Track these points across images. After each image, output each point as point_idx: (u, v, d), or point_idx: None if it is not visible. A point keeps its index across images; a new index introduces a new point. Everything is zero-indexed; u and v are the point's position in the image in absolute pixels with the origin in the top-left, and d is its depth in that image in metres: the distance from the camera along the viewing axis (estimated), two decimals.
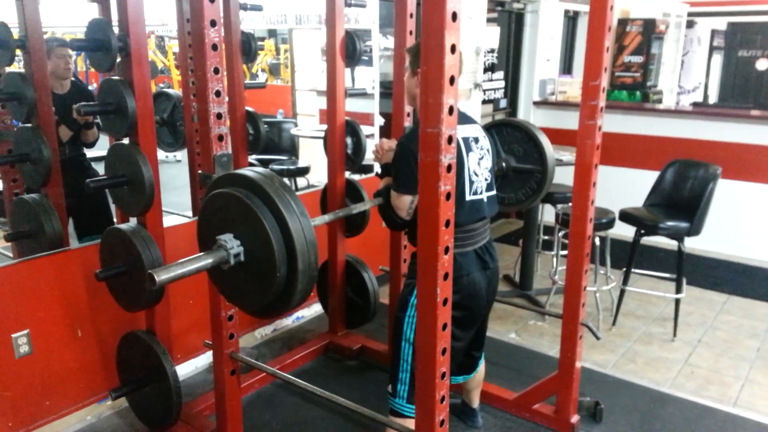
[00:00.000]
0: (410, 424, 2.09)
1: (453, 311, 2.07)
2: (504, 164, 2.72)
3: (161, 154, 2.90)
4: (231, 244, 1.51)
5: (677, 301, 3.63)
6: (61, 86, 3.33)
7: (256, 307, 1.60)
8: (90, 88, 10.68)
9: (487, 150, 2.29)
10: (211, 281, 1.62)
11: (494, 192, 2.31)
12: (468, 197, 2.16)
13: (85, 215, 3.40)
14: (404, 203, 2.18)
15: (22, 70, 2.80)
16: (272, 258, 1.45)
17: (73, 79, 3.46)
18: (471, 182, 2.16)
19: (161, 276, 1.45)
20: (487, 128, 2.70)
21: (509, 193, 2.78)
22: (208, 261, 1.50)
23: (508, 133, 2.74)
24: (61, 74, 3.30)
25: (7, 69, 2.85)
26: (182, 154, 5.27)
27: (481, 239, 2.24)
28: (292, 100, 7.16)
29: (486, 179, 2.25)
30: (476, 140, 2.21)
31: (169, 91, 3.85)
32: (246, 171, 1.54)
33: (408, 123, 3.09)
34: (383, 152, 2.50)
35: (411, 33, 2.95)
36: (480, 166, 2.23)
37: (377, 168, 2.48)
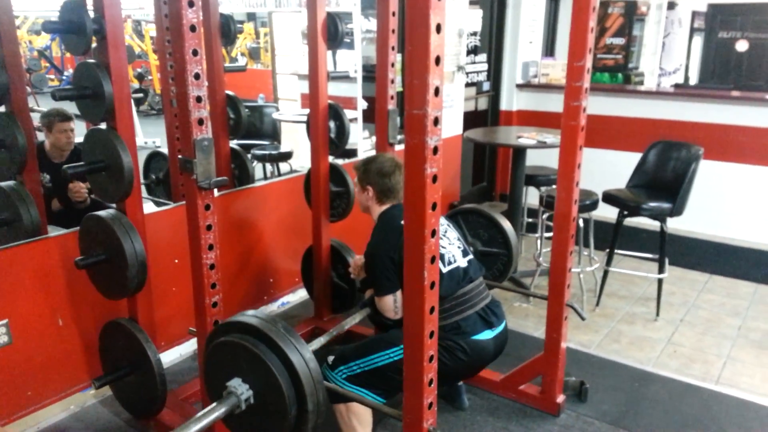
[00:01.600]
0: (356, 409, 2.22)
1: (454, 370, 2.20)
2: (471, 248, 2.82)
3: (140, 139, 2.86)
4: (240, 389, 1.53)
5: (660, 281, 3.66)
6: (60, 156, 3.28)
7: None
8: (66, 73, 10.47)
9: (447, 224, 2.40)
10: (226, 426, 1.66)
11: (471, 257, 2.38)
12: (444, 269, 2.22)
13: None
14: (388, 304, 2.27)
15: None
16: (282, 399, 1.50)
17: (75, 144, 3.36)
18: (441, 255, 2.22)
19: None
20: (453, 215, 2.90)
21: (488, 271, 2.89)
22: (221, 411, 1.52)
23: (473, 220, 2.90)
24: (62, 147, 3.25)
25: None
26: (162, 140, 5.20)
27: (479, 300, 2.28)
28: (273, 84, 7.07)
29: (458, 247, 2.34)
30: None
31: (162, 151, 3.91)
32: (246, 318, 1.58)
33: (392, 106, 3.06)
34: (359, 269, 2.61)
35: (394, 14, 2.92)
36: (447, 237, 2.32)
37: (358, 284, 2.65)
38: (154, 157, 3.94)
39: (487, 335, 2.24)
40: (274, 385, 1.49)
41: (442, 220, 2.36)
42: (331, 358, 2.28)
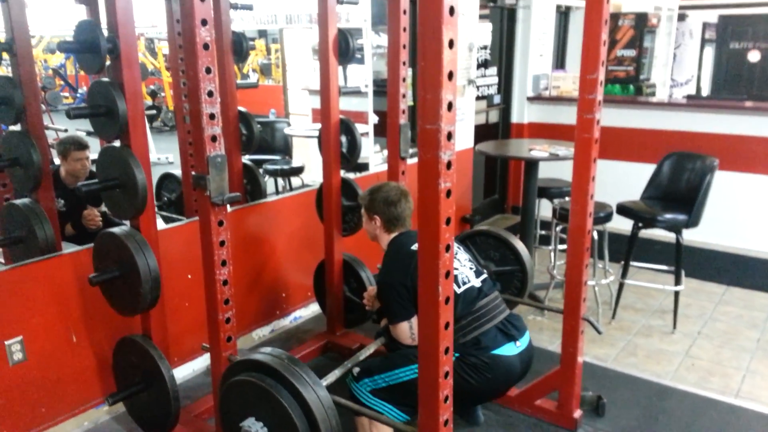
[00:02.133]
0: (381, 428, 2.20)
1: (479, 389, 2.16)
2: (484, 270, 2.80)
3: (153, 155, 2.88)
4: (255, 428, 1.55)
5: (676, 294, 3.62)
6: (75, 182, 3.31)
7: None
8: (81, 91, 10.59)
9: (458, 246, 2.37)
10: None
11: (485, 275, 2.37)
12: (459, 290, 2.21)
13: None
14: (404, 331, 2.25)
15: (10, 74, 2.75)
16: None
17: (91, 170, 3.40)
18: (455, 277, 2.18)
19: None
20: (461, 239, 2.89)
21: (504, 292, 2.86)
22: None
23: (482, 241, 2.90)
24: (77, 174, 3.28)
25: None
26: (175, 156, 5.23)
27: (498, 313, 2.25)
28: (284, 99, 7.12)
29: (471, 268, 2.33)
30: None
31: (174, 173, 3.97)
32: (258, 356, 1.60)
33: (403, 120, 3.06)
34: (372, 298, 2.60)
35: (405, 30, 2.93)
36: (458, 259, 2.30)
37: (373, 316, 2.66)
38: (167, 178, 3.97)
39: (510, 350, 2.19)
40: (286, 419, 1.49)
41: (452, 242, 2.35)
42: (356, 370, 2.26)
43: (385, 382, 2.19)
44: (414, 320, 2.22)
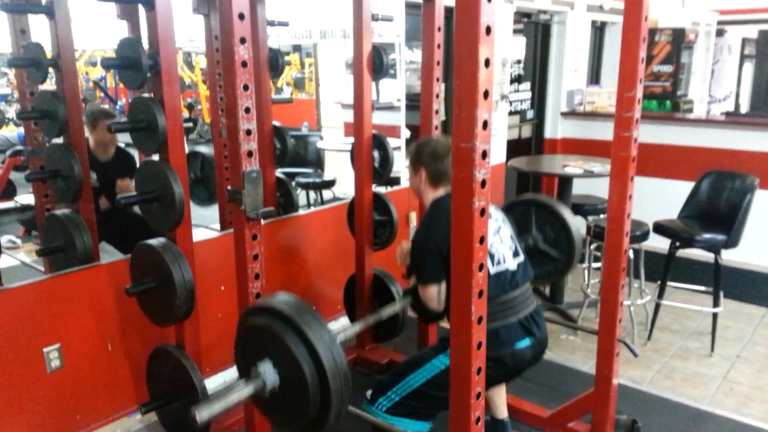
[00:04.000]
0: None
1: (492, 376, 2.04)
2: (531, 241, 2.71)
3: None
4: (268, 374, 1.55)
5: (714, 315, 3.53)
6: (105, 153, 3.38)
7: (293, 430, 1.65)
8: (120, 103, 10.85)
9: (503, 220, 2.31)
10: (252, 403, 1.70)
11: (522, 258, 2.30)
12: (492, 270, 2.15)
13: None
14: (432, 294, 2.19)
15: (55, 88, 2.84)
16: (306, 390, 1.51)
17: (120, 145, 3.48)
18: (491, 255, 2.16)
19: (203, 414, 1.49)
20: (528, 203, 2.73)
21: (535, 269, 2.69)
22: (246, 392, 1.54)
23: (545, 216, 2.72)
24: (106, 143, 3.35)
25: (41, 87, 2.90)
26: None
27: (523, 308, 2.21)
28: (317, 113, 7.20)
29: (510, 247, 2.26)
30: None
31: (200, 149, 4.00)
32: (279, 302, 1.59)
33: (437, 135, 3.06)
34: (404, 255, 2.53)
35: (439, 47, 2.94)
36: (500, 235, 2.24)
37: (404, 270, 2.60)
38: (191, 156, 3.91)
39: (525, 343, 2.17)
40: (298, 374, 1.50)
41: (498, 215, 2.29)
42: (369, 393, 2.25)
43: (397, 395, 2.17)
44: (443, 284, 2.17)
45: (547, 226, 2.71)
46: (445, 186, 2.33)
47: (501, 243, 2.23)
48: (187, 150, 3.87)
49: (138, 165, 2.46)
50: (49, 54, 2.66)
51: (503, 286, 2.17)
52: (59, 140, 2.80)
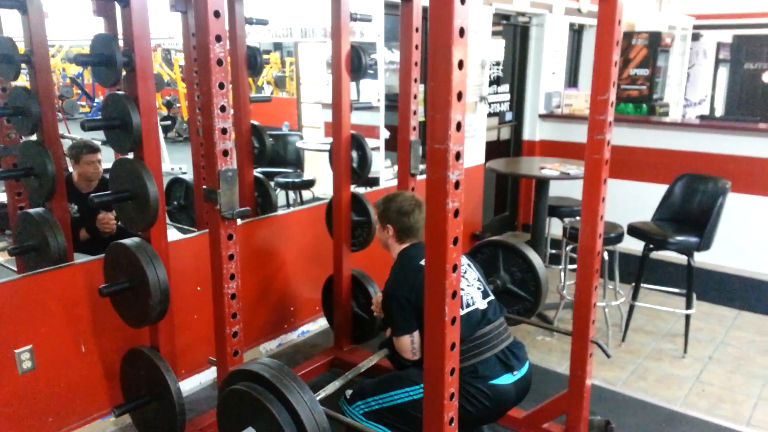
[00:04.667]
0: None
1: (476, 417, 2.14)
2: (500, 282, 2.80)
3: (167, 166, 2.90)
4: None
5: (687, 317, 3.58)
6: (88, 186, 3.35)
7: None
8: (97, 100, 10.71)
9: (468, 264, 2.36)
10: None
11: (492, 297, 2.33)
12: (462, 312, 2.16)
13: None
14: (405, 344, 2.24)
15: (27, 84, 2.80)
16: None
17: (103, 175, 3.44)
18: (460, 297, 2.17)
19: None
20: (496, 245, 2.84)
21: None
22: None
23: (512, 258, 2.82)
24: (89, 177, 3.32)
25: (13, 83, 2.85)
26: (188, 167, 5.27)
27: (499, 342, 2.21)
28: (298, 112, 7.16)
29: (478, 288, 2.29)
30: None
31: (183, 177, 4.03)
32: (255, 366, 1.63)
33: (414, 137, 3.07)
34: (380, 307, 2.55)
35: (417, 47, 2.95)
36: (467, 278, 2.28)
37: (379, 322, 2.63)
38: (175, 183, 3.99)
39: (507, 380, 2.17)
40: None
41: (463, 260, 2.32)
42: (349, 392, 2.25)
43: (378, 404, 2.18)
44: (416, 334, 2.22)
45: (514, 267, 2.82)
46: (411, 240, 2.41)
47: (468, 285, 2.27)
48: (169, 178, 3.89)
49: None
50: (22, 49, 2.61)
51: (475, 325, 2.19)
52: (33, 137, 2.76)
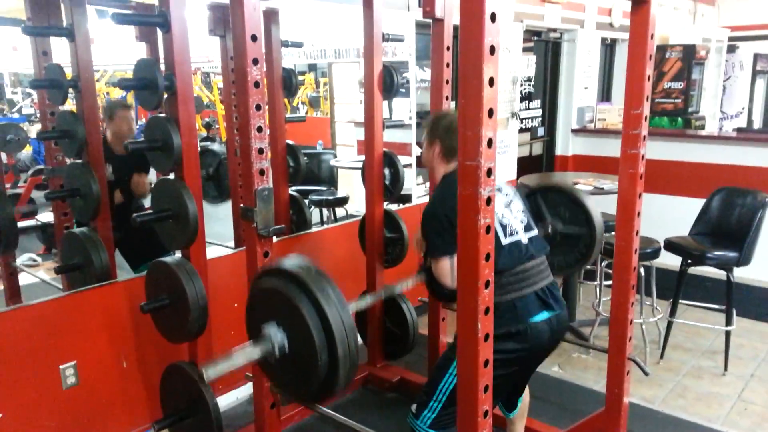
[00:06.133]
0: None
1: (507, 365, 2.03)
2: (551, 228, 2.67)
3: None
4: (276, 336, 1.56)
5: (727, 333, 3.50)
6: (122, 146, 3.42)
7: (301, 396, 1.67)
8: (139, 122, 11.04)
9: (514, 194, 2.27)
10: (261, 370, 1.70)
11: (536, 232, 2.25)
12: (504, 241, 2.10)
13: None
14: (445, 268, 2.13)
15: (74, 108, 2.92)
16: (313, 350, 1.50)
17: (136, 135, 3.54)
18: (503, 226, 2.11)
19: (209, 372, 1.54)
20: (532, 193, 2.70)
21: (559, 257, 2.69)
22: (254, 353, 1.57)
23: (553, 198, 2.69)
24: (123, 135, 3.38)
25: (61, 108, 2.98)
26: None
27: (539, 280, 2.14)
28: (331, 131, 7.26)
29: (522, 221, 2.21)
30: (498, 189, 2.17)
31: (215, 147, 4.00)
32: (287, 264, 1.61)
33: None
34: (420, 241, 2.47)
35: (448, 65, 2.98)
36: (510, 209, 2.19)
37: (420, 256, 2.57)
38: (206, 153, 3.94)
39: (543, 316, 2.09)
40: (305, 333, 1.50)
41: (508, 190, 2.25)
42: (414, 407, 2.21)
43: (438, 403, 2.14)
44: (455, 258, 2.14)
45: (560, 207, 2.66)
46: (456, 161, 2.20)
47: (512, 216, 2.17)
48: (201, 147, 3.90)
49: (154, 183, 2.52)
50: (69, 75, 2.73)
51: (518, 258, 2.11)
52: (78, 160, 2.87)
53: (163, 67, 2.22)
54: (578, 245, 2.68)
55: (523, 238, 2.17)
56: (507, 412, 2.50)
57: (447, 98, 3.03)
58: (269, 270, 1.66)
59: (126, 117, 3.39)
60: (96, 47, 2.98)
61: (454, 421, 2.09)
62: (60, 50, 2.87)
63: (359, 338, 1.56)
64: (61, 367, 2.53)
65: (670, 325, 3.64)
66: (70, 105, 3.22)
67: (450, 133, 2.26)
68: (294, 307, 1.51)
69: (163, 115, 2.26)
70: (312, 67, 10.23)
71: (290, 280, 1.57)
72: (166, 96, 2.21)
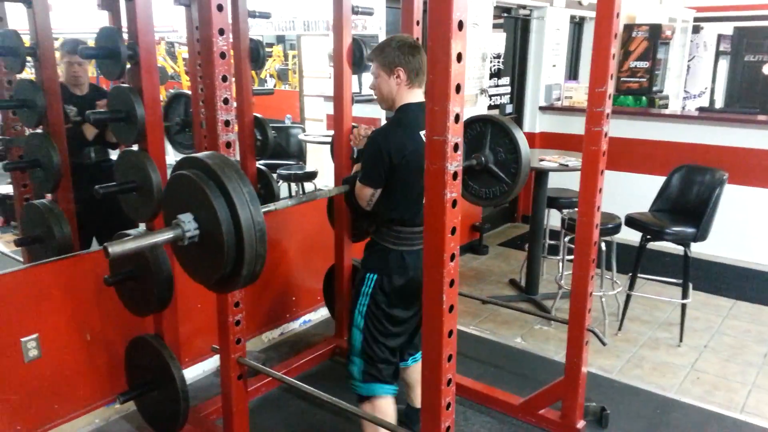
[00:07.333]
0: (378, 404, 2.26)
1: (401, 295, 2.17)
2: (483, 159, 2.68)
3: (170, 158, 2.92)
4: (188, 226, 1.58)
5: (683, 306, 3.63)
6: (79, 89, 3.32)
7: (206, 283, 1.70)
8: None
9: None
10: (173, 251, 1.73)
11: None
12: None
13: (108, 225, 3.34)
14: (365, 194, 2.19)
15: (33, 77, 2.83)
16: (221, 244, 1.53)
17: (92, 83, 3.43)
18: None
19: (114, 249, 1.53)
20: (486, 120, 2.67)
21: (483, 188, 2.75)
22: (162, 237, 1.59)
23: (501, 137, 2.67)
24: (71, 80, 3.29)
25: (18, 76, 2.89)
26: None
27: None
28: (300, 105, 7.19)
29: None
30: None
31: (183, 92, 3.86)
32: (205, 156, 1.61)
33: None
34: (359, 139, 2.52)
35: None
36: None
37: (354, 153, 2.53)
38: (177, 98, 3.84)
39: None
40: (215, 227, 1.53)
41: None
42: (347, 371, 2.31)
43: (359, 347, 2.25)
44: (378, 192, 2.15)
45: (500, 147, 2.68)
46: (418, 85, 2.15)
47: None
48: (170, 93, 3.75)
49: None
50: (27, 42, 2.65)
51: (418, 213, 2.12)
52: (38, 130, 2.79)
53: (126, 36, 2.17)
54: (495, 188, 2.73)
55: None
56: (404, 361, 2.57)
57: None
58: (190, 159, 1.66)
59: (71, 62, 3.23)
60: (55, 14, 2.89)
61: (377, 378, 2.20)
62: (16, 17, 2.77)
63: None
64: (22, 339, 2.50)
65: (628, 298, 3.75)
66: (27, 74, 3.12)
67: (409, 52, 2.11)
68: (209, 204, 1.53)
69: (126, 85, 2.21)
70: (281, 39, 10.08)
71: (208, 175, 1.58)
72: (129, 66, 2.17)
